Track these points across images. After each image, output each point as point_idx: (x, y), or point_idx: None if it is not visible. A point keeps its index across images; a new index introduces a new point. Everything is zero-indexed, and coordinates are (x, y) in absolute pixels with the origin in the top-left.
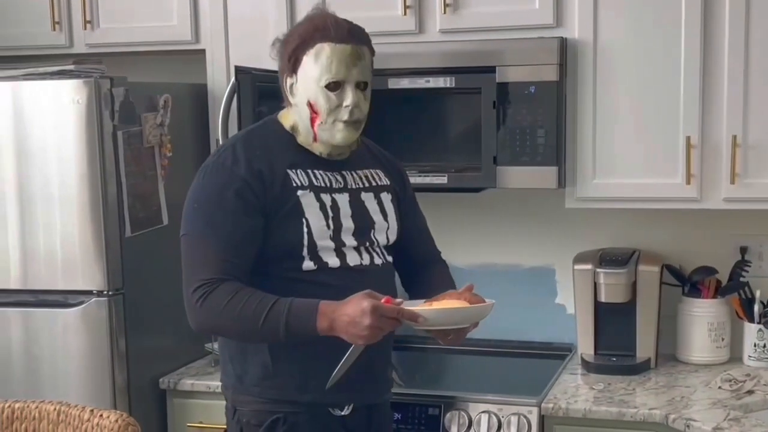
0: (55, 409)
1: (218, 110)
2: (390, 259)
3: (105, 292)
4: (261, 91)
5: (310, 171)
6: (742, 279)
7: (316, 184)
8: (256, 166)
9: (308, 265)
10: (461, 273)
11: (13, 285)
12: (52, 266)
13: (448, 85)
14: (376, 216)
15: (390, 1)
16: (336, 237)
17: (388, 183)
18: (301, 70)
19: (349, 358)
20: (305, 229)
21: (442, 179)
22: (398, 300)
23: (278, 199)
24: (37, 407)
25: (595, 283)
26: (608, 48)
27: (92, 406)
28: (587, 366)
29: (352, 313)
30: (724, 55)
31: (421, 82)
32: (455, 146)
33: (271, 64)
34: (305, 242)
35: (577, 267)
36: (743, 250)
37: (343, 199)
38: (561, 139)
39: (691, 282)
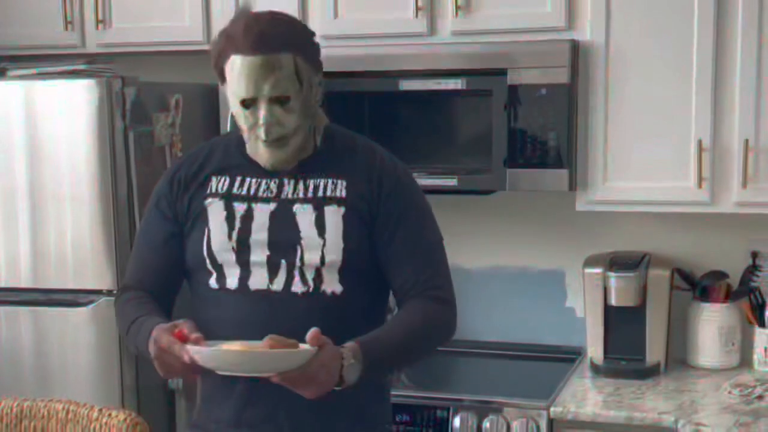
0: (63, 407)
1: (228, 111)
2: (333, 289)
3: (114, 292)
4: None
5: (239, 177)
6: (752, 283)
7: (234, 191)
8: (182, 172)
9: (213, 282)
10: (471, 276)
11: (24, 284)
12: (62, 265)
13: (459, 87)
14: (308, 230)
15: (401, 2)
16: (240, 250)
17: (344, 196)
18: (226, 82)
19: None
20: (205, 239)
21: (452, 181)
22: (195, 335)
23: (189, 207)
24: (45, 406)
25: (605, 287)
26: (620, 50)
27: (101, 405)
28: (597, 370)
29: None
30: (736, 58)
31: (431, 84)
32: (466, 148)
33: None
34: (205, 254)
35: (587, 270)
36: (754, 255)
37: (263, 209)
38: (572, 141)
39: (701, 286)
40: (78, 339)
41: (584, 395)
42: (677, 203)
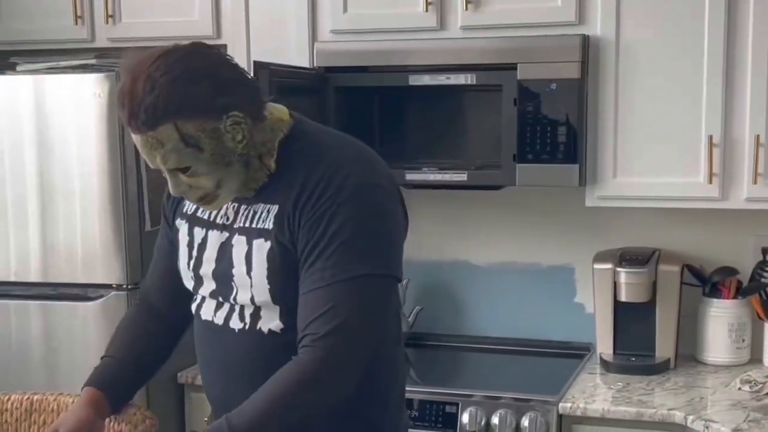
0: (73, 401)
1: None
2: (270, 326)
3: (124, 286)
4: (280, 87)
5: None
6: (763, 280)
7: (198, 214)
8: None
9: (192, 303)
10: (480, 271)
11: (34, 278)
12: (72, 260)
13: (468, 82)
14: (239, 267)
15: None
16: (196, 279)
17: (269, 227)
18: None
19: None
20: (178, 263)
21: (461, 176)
22: None
23: (173, 223)
24: (55, 399)
25: (614, 283)
26: (631, 45)
27: None
28: (606, 366)
29: None
30: (747, 53)
31: (441, 79)
32: (475, 143)
33: (292, 59)
34: (181, 275)
35: (596, 266)
36: (765, 251)
37: (215, 238)
38: (582, 137)
39: (711, 282)
40: (87, 333)
41: (593, 391)
42: (687, 199)
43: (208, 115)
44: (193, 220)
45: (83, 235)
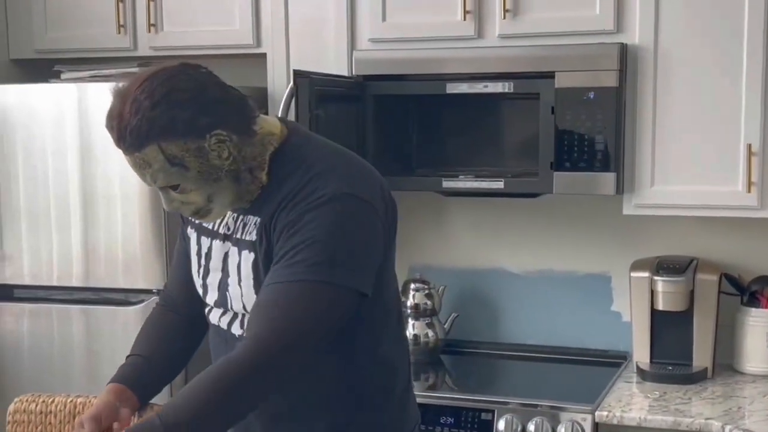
0: None
1: (278, 113)
2: None
3: None
4: (319, 95)
5: None
6: None
7: (204, 224)
8: None
9: (205, 307)
10: (516, 279)
11: (76, 282)
12: (113, 265)
13: (506, 90)
14: (233, 277)
15: (449, 6)
16: (203, 288)
17: (253, 239)
18: None
19: None
20: (192, 272)
21: (498, 184)
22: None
23: (187, 231)
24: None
25: (652, 291)
26: (669, 54)
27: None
28: (643, 374)
29: None
30: None
31: (479, 87)
32: (512, 151)
33: (331, 67)
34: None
35: (634, 274)
36: None
37: (218, 248)
38: (620, 145)
39: (749, 291)
40: (128, 337)
41: (630, 400)
42: (725, 208)
43: (190, 135)
44: (200, 230)
45: (124, 241)
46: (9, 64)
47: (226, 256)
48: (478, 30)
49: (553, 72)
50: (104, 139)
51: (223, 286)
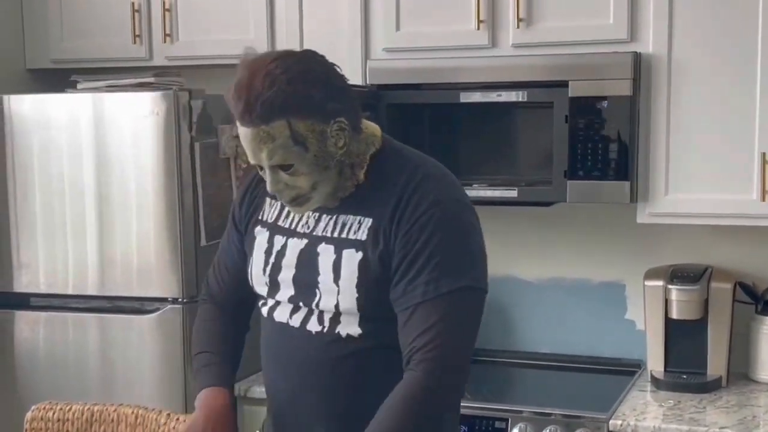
0: (133, 412)
1: None
2: (349, 331)
3: (179, 300)
4: None
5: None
6: None
7: (279, 222)
8: (251, 190)
9: (259, 304)
10: (530, 287)
11: (91, 291)
12: (128, 273)
13: (520, 99)
14: (325, 274)
15: (463, 15)
16: (272, 284)
17: (363, 238)
18: None
19: None
20: (248, 268)
21: (512, 193)
22: None
23: (246, 229)
24: (115, 410)
25: (666, 300)
26: (683, 62)
27: (167, 411)
28: (657, 383)
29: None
30: None
31: (492, 96)
32: (526, 160)
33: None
34: (251, 281)
35: (647, 283)
36: None
37: (295, 245)
38: (633, 153)
39: (764, 300)
40: (143, 346)
41: (644, 408)
42: (740, 216)
43: (319, 117)
44: (274, 229)
45: (139, 250)
46: (26, 73)
47: (307, 253)
48: (491, 39)
49: (567, 81)
50: (120, 149)
51: (306, 284)
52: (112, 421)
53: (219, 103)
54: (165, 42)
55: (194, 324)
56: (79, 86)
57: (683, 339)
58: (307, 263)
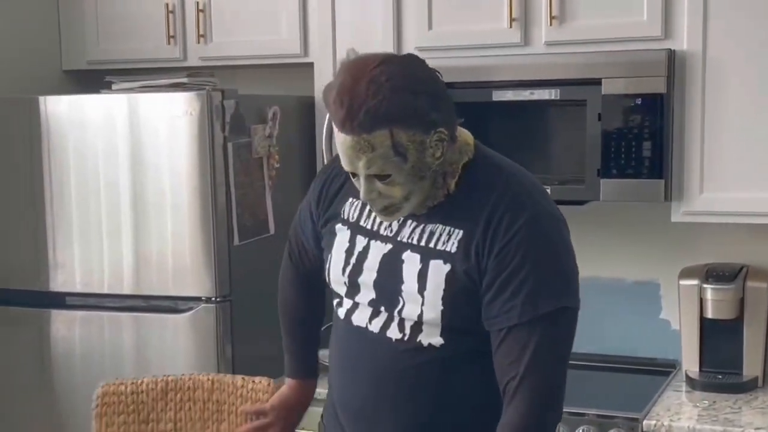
0: (208, 379)
1: (324, 122)
2: (431, 341)
3: (213, 299)
4: None
5: (368, 207)
6: None
7: (361, 223)
8: (334, 182)
9: (334, 303)
10: None
11: (126, 290)
12: (162, 272)
13: (552, 98)
14: (410, 283)
15: (496, 13)
16: (351, 285)
17: (453, 250)
18: None
19: None
20: (326, 265)
21: None
22: None
23: (326, 223)
24: (190, 378)
25: (701, 299)
26: (718, 59)
27: None
28: (692, 383)
29: None
30: None
31: (525, 95)
32: (559, 158)
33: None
34: (327, 278)
35: (682, 282)
36: None
37: (378, 249)
38: (667, 152)
39: None
40: (177, 345)
41: (679, 408)
42: None
43: (421, 127)
44: (356, 229)
45: (174, 249)
46: (62, 75)
47: (391, 258)
48: (524, 37)
49: (600, 79)
50: (155, 149)
51: (388, 290)
52: (189, 388)
53: (252, 103)
54: (198, 43)
55: (279, 280)
56: (114, 87)
57: (718, 339)
58: (391, 269)
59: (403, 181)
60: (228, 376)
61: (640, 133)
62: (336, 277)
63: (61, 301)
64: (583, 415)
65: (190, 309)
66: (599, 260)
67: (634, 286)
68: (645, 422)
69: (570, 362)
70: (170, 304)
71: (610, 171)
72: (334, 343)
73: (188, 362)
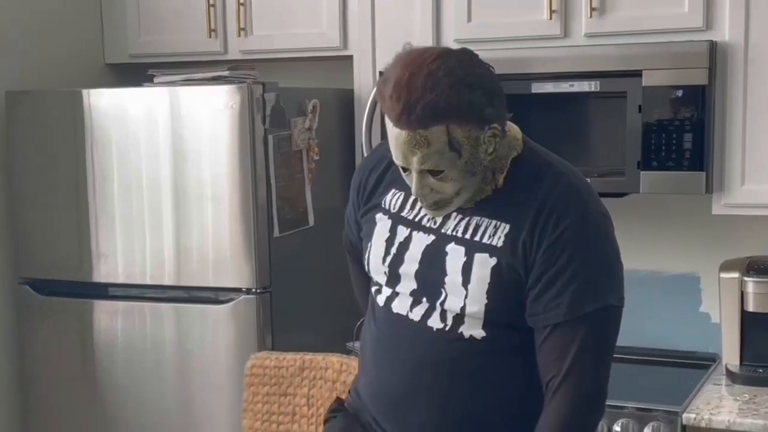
0: (338, 360)
1: (364, 115)
2: (472, 333)
3: (253, 290)
4: None
5: (413, 198)
6: None
7: (402, 214)
8: (372, 173)
9: (373, 291)
10: None
11: (167, 281)
12: (203, 264)
13: (592, 89)
14: (453, 275)
15: (535, 5)
16: (391, 275)
17: (500, 245)
18: None
19: None
20: (366, 254)
21: None
22: None
23: (366, 213)
24: (323, 359)
25: (742, 292)
26: (760, 51)
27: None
28: (732, 377)
29: None
30: None
31: (565, 86)
32: (598, 151)
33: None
34: (367, 267)
35: (723, 275)
36: None
37: (421, 240)
38: (709, 143)
39: None
40: (218, 336)
41: (719, 402)
42: None
43: (476, 123)
44: (397, 219)
45: (214, 240)
46: (104, 68)
47: (434, 250)
48: (564, 29)
49: (641, 70)
50: (196, 142)
51: (431, 282)
52: (321, 368)
53: (292, 95)
54: (239, 36)
55: (350, 271)
56: (156, 80)
57: (759, 332)
58: (434, 261)
59: (455, 176)
60: (356, 360)
61: (681, 125)
62: (376, 266)
63: (104, 291)
64: (622, 408)
65: (231, 300)
66: (638, 253)
67: (673, 279)
68: (684, 416)
69: None
70: (211, 295)
71: (650, 163)
72: (371, 329)
73: (228, 353)
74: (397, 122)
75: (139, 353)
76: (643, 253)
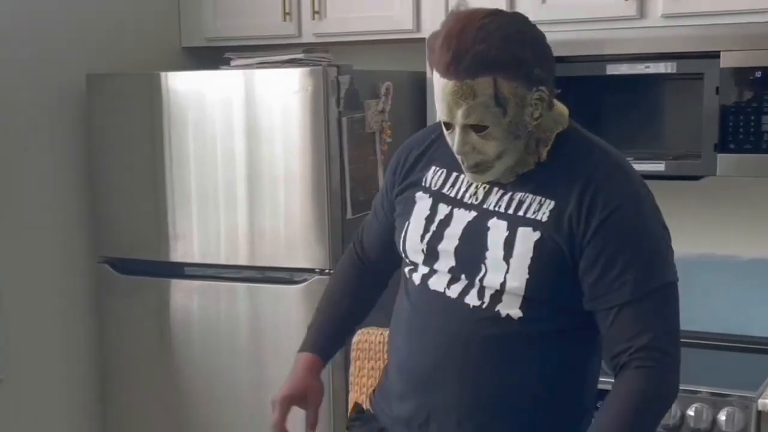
0: None
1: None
2: (509, 312)
3: (327, 271)
4: None
5: (454, 173)
6: None
7: (443, 191)
8: (412, 152)
9: (407, 271)
10: (678, 263)
11: (241, 261)
12: (277, 244)
13: (669, 71)
14: (495, 250)
15: None
16: (429, 252)
17: (543, 220)
18: None
19: None
20: (402, 233)
21: (659, 166)
22: None
23: (403, 191)
24: None
25: None
26: None
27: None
28: None
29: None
30: None
31: (640, 68)
32: (674, 133)
33: None
34: (401, 246)
35: None
36: None
37: (462, 216)
38: None
39: None
40: (291, 316)
41: None
42: None
43: (525, 81)
44: (438, 196)
45: (287, 221)
46: (181, 51)
47: (475, 226)
48: (640, 10)
49: (719, 51)
50: (270, 124)
51: (470, 257)
52: None
53: (365, 78)
54: (313, 19)
55: (338, 262)
56: (232, 63)
57: None
58: (474, 236)
59: (499, 135)
60: None
61: (760, 107)
62: (413, 245)
63: (181, 271)
64: (696, 392)
65: (305, 280)
66: (714, 237)
67: (750, 263)
68: (760, 401)
69: (684, 340)
70: (284, 276)
71: (727, 145)
72: (405, 309)
73: (301, 333)
74: (446, 72)
75: (214, 332)
76: (718, 238)
